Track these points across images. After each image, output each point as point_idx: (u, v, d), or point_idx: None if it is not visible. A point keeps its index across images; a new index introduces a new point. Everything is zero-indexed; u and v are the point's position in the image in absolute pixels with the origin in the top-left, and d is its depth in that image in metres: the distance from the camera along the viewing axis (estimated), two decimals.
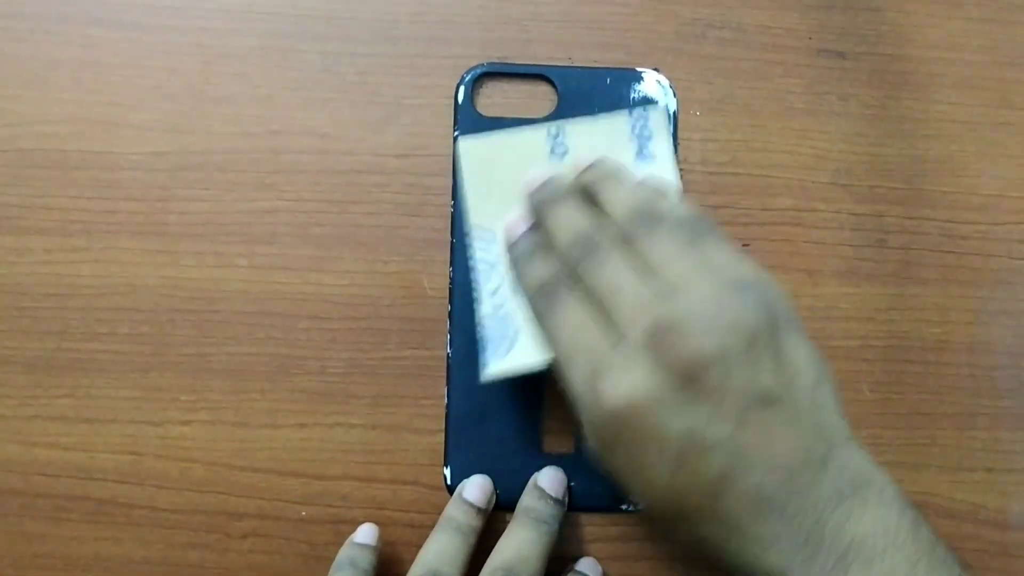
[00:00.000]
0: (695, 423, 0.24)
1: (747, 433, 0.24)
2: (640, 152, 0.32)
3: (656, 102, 0.33)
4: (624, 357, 0.25)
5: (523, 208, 0.30)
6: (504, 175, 0.31)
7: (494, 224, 0.31)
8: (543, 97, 0.34)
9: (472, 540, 0.31)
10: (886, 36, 0.36)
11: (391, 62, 0.35)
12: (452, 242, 0.33)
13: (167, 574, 0.32)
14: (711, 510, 0.25)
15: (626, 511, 0.33)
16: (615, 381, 0.25)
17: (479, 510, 0.31)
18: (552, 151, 0.32)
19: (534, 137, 0.32)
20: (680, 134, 0.35)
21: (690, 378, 0.24)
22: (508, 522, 0.31)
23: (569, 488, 0.32)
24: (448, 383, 0.33)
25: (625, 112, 0.32)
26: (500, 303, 0.30)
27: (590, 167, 0.30)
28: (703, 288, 0.26)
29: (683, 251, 0.27)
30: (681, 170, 0.34)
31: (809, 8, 0.36)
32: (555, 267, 0.29)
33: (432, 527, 0.32)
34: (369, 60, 0.35)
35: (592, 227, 0.28)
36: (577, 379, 0.26)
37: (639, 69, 0.34)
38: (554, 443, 0.33)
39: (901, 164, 0.35)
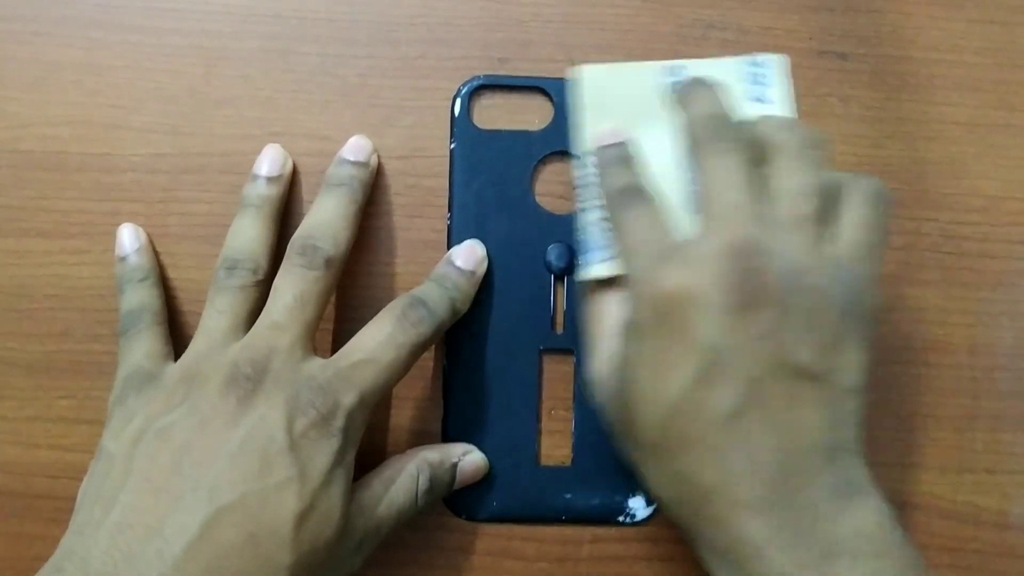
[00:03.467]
0: (734, 346, 0.24)
1: (774, 388, 0.24)
2: (757, 97, 0.31)
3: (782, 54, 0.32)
4: (698, 252, 0.25)
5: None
6: (620, 104, 0.31)
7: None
8: (539, 109, 0.34)
9: (268, 211, 0.31)
10: (887, 38, 0.36)
11: (392, 64, 0.35)
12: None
13: None
14: (711, 444, 0.24)
15: (623, 523, 0.32)
16: (681, 269, 0.25)
17: (268, 179, 0.32)
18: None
19: (653, 71, 0.32)
20: None
21: (750, 305, 0.24)
22: (514, 540, 0.31)
23: (566, 500, 0.32)
24: (445, 394, 0.33)
25: (746, 57, 0.32)
26: (605, 218, 0.30)
27: (767, 121, 0.28)
28: (806, 242, 0.25)
29: (810, 200, 0.26)
30: None
31: (810, 10, 0.36)
32: (644, 180, 0.29)
33: (430, 529, 0.32)
34: (369, 62, 0.35)
35: (730, 118, 0.28)
36: (640, 262, 0.26)
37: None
38: (551, 456, 0.33)
39: (902, 165, 0.35)
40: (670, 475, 0.26)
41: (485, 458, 0.32)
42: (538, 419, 0.33)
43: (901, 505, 0.33)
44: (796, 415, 0.24)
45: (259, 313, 0.29)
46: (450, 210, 0.33)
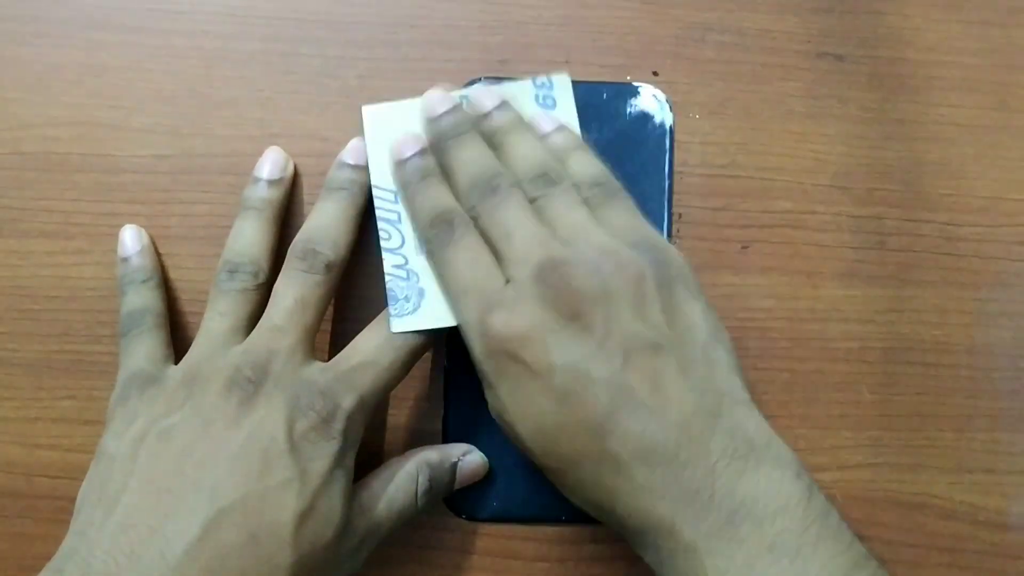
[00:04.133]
0: (580, 357, 0.25)
1: (633, 374, 0.25)
2: None
3: (562, 72, 0.33)
4: (514, 292, 0.26)
5: (417, 137, 0.30)
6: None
7: (395, 185, 0.31)
8: None
9: (269, 214, 0.31)
10: (885, 39, 0.36)
11: (392, 66, 0.35)
12: None
13: None
14: (599, 452, 0.25)
15: None
16: (505, 316, 0.26)
17: (269, 182, 0.32)
18: None
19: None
20: (680, 137, 0.35)
21: (575, 314, 0.25)
22: (514, 540, 0.31)
23: (566, 500, 0.32)
24: (446, 395, 0.33)
25: (529, 79, 0.32)
26: (403, 261, 0.30)
27: (496, 111, 0.30)
28: (593, 238, 0.27)
29: (579, 210, 0.28)
30: (680, 173, 0.34)
31: (808, 12, 0.36)
32: (451, 200, 0.29)
33: (430, 529, 0.33)
34: (370, 64, 0.35)
35: (495, 171, 0.29)
36: (468, 314, 0.27)
37: (636, 84, 0.34)
38: None
39: (900, 167, 0.35)
40: (576, 488, 0.26)
41: (485, 458, 0.32)
42: None
43: (900, 505, 0.33)
44: (664, 390, 0.25)
45: (260, 316, 0.29)
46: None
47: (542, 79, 0.32)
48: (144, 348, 0.30)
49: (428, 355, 0.33)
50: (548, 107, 0.32)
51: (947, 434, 0.34)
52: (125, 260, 0.32)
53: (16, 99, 0.34)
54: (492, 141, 0.30)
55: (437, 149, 0.30)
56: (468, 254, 0.28)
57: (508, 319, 0.26)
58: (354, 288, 0.34)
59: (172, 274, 0.34)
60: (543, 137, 0.31)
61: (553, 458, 0.26)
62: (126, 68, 0.34)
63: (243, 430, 0.26)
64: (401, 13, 0.35)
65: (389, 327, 0.29)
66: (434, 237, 0.29)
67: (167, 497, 0.25)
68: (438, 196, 0.29)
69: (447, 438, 0.33)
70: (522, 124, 0.31)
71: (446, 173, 0.30)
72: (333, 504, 0.26)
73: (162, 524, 0.24)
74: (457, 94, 0.31)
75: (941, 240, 0.35)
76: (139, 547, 0.24)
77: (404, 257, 0.30)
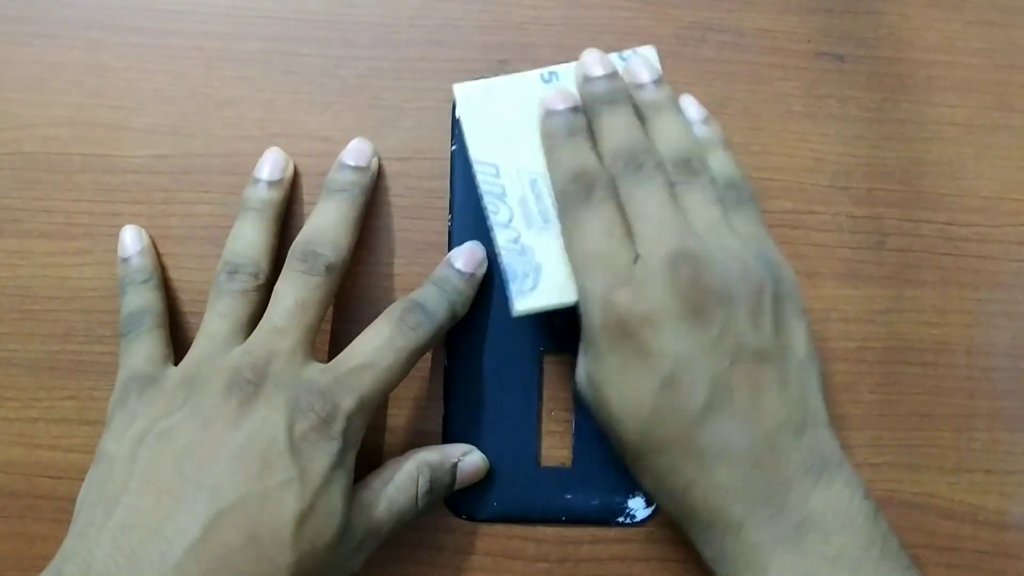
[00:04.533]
0: (693, 349, 0.25)
1: (736, 376, 0.26)
2: None
3: (650, 45, 0.32)
4: (644, 273, 0.26)
5: (569, 93, 0.30)
6: (501, 113, 0.31)
7: (496, 159, 0.30)
8: None
9: (270, 214, 0.31)
10: (885, 39, 0.36)
11: (392, 66, 0.35)
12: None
13: None
14: (687, 442, 0.26)
15: (622, 524, 0.33)
16: (632, 294, 0.26)
17: (270, 183, 0.32)
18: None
19: (529, 79, 0.31)
20: None
21: (699, 309, 0.26)
22: (514, 539, 0.31)
23: (566, 500, 0.32)
24: (445, 395, 0.33)
25: (616, 54, 0.31)
26: (515, 235, 0.29)
27: (652, 85, 0.30)
28: (725, 240, 0.27)
29: (714, 208, 0.28)
30: None
31: (808, 12, 0.36)
32: (596, 162, 0.29)
33: (430, 529, 0.33)
34: (370, 64, 0.35)
35: (644, 147, 0.29)
36: (594, 283, 0.27)
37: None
38: (551, 456, 0.33)
39: (900, 166, 0.35)
40: (654, 472, 0.27)
41: (485, 458, 0.32)
42: (538, 420, 0.33)
43: (900, 504, 0.33)
44: (761, 399, 0.26)
45: (260, 317, 0.29)
46: (451, 212, 0.33)
47: (628, 52, 0.31)
48: (144, 349, 0.30)
49: (428, 355, 0.33)
50: None
51: (947, 434, 0.34)
52: (125, 260, 0.32)
53: (17, 99, 0.34)
54: (643, 114, 0.30)
55: (590, 111, 0.30)
56: (604, 222, 0.27)
57: (635, 298, 0.26)
58: (354, 288, 0.34)
59: (172, 274, 0.34)
60: (692, 123, 0.31)
61: (641, 440, 0.27)
62: (127, 68, 0.34)
63: (243, 431, 0.26)
64: (401, 13, 0.35)
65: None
66: (572, 193, 0.28)
67: (167, 498, 0.25)
68: (584, 155, 0.29)
69: (447, 438, 0.33)
70: (675, 105, 0.30)
71: (595, 135, 0.30)
72: (333, 504, 0.26)
73: (162, 525, 0.24)
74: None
75: (941, 240, 0.35)
76: (139, 548, 0.24)
77: (516, 231, 0.29)
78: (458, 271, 0.31)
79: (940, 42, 0.36)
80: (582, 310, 0.28)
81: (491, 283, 0.33)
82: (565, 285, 0.28)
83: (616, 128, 0.29)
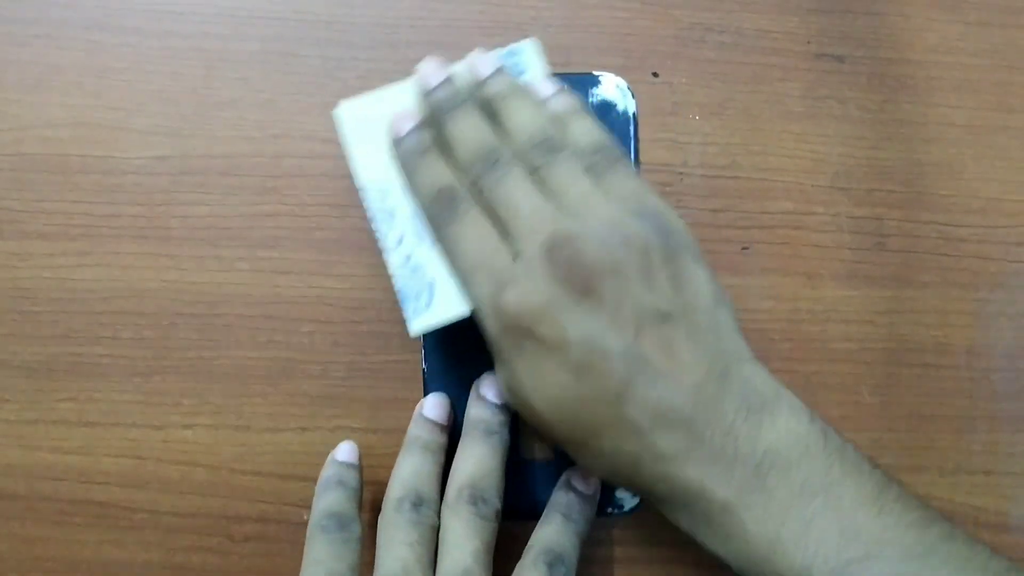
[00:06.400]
0: (594, 331, 0.25)
1: (645, 344, 0.25)
2: None
3: (532, 38, 0.31)
4: (524, 269, 0.26)
5: (412, 103, 0.30)
6: (385, 129, 0.30)
7: (384, 176, 0.30)
8: None
9: (441, 458, 0.31)
10: (885, 40, 0.36)
11: (392, 67, 0.35)
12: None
13: None
14: (618, 420, 0.25)
15: (611, 515, 0.33)
16: (517, 293, 0.26)
17: (442, 427, 0.31)
18: None
19: (408, 87, 0.31)
20: (679, 138, 0.35)
21: (587, 289, 0.25)
22: (512, 539, 0.31)
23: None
24: (425, 391, 0.33)
25: (497, 51, 0.31)
26: (408, 253, 0.29)
27: (492, 78, 0.30)
28: (599, 210, 0.27)
29: (583, 179, 0.28)
30: (681, 174, 0.35)
31: (808, 12, 0.36)
32: (452, 173, 0.29)
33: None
34: (370, 65, 0.35)
35: (494, 144, 0.29)
36: (480, 291, 0.27)
37: (596, 73, 0.34)
38: (532, 448, 0.33)
39: (900, 167, 0.35)
40: (599, 458, 0.27)
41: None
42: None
43: None
44: (677, 357, 0.25)
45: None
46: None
47: (510, 47, 0.31)
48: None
49: (420, 357, 0.33)
50: (518, 75, 0.31)
51: (947, 435, 0.34)
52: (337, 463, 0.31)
53: (17, 100, 0.34)
54: (490, 109, 0.30)
55: (434, 123, 0.30)
56: (474, 230, 0.28)
57: (521, 296, 0.26)
58: (355, 289, 0.33)
59: (172, 275, 0.34)
60: (543, 102, 0.30)
61: (573, 430, 0.26)
62: (126, 69, 0.34)
63: None
64: (401, 14, 0.35)
65: (409, 332, 0.29)
66: (437, 214, 0.28)
67: None
68: (438, 171, 0.29)
69: None
70: (520, 90, 0.30)
71: (445, 147, 0.29)
72: None
73: None
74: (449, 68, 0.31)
75: (941, 241, 0.35)
76: None
77: (408, 250, 0.29)
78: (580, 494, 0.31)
79: (940, 43, 0.36)
80: (478, 321, 0.28)
81: None
82: (459, 296, 0.28)
83: (463, 133, 0.29)
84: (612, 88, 0.34)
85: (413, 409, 0.33)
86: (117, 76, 0.34)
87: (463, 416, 0.31)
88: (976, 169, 0.35)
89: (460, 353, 0.33)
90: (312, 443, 0.33)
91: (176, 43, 0.35)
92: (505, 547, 0.31)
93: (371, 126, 0.30)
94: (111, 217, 0.34)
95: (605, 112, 0.34)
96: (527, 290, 0.26)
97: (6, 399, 0.33)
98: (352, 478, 0.30)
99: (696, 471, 0.25)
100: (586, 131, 0.29)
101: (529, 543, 0.30)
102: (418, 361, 0.33)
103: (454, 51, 0.35)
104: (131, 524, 0.33)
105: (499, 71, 0.30)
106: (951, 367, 0.34)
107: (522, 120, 0.29)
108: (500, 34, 0.35)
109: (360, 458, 0.31)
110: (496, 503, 0.29)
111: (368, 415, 0.33)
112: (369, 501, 0.32)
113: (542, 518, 0.31)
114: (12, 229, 0.34)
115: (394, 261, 0.29)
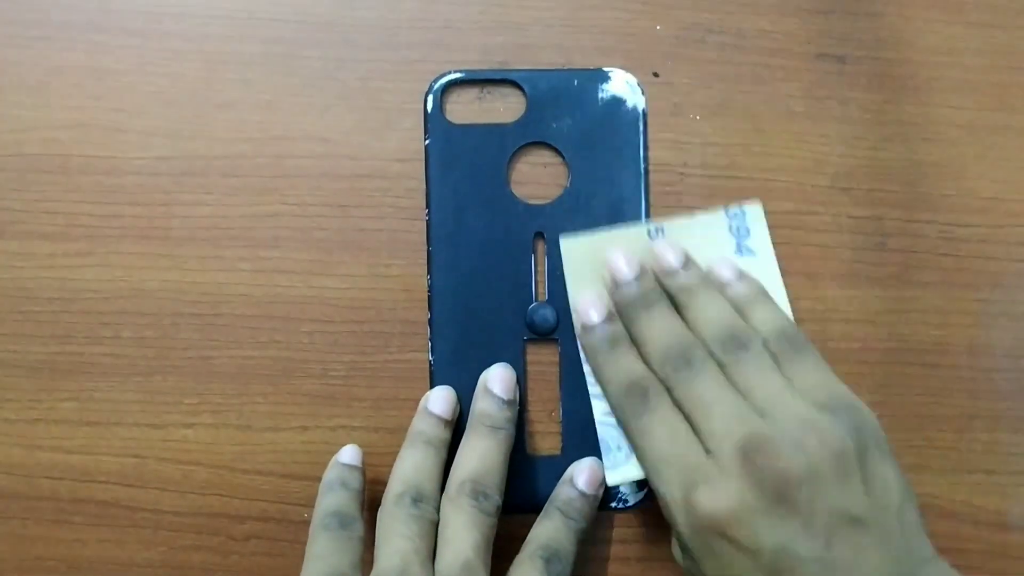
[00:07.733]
0: (787, 539, 0.25)
1: (837, 551, 0.25)
2: (739, 247, 0.33)
3: (755, 200, 0.33)
4: (718, 469, 0.26)
5: (602, 297, 0.31)
6: (602, 272, 0.32)
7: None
8: (512, 102, 0.34)
9: (443, 453, 0.31)
10: (886, 41, 0.36)
11: (392, 67, 0.35)
12: (429, 250, 0.33)
13: None
14: None
15: (615, 509, 0.33)
16: (711, 494, 0.26)
17: (446, 422, 0.31)
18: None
19: (635, 234, 0.32)
20: (680, 138, 0.35)
21: (782, 495, 0.25)
22: (512, 539, 0.31)
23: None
24: (431, 385, 0.33)
25: (721, 210, 0.33)
26: (609, 408, 0.31)
27: (683, 271, 0.31)
28: (792, 409, 0.27)
29: (773, 376, 0.28)
30: (681, 174, 0.35)
31: (809, 13, 0.36)
32: (643, 368, 0.29)
33: None
34: (370, 66, 0.35)
35: (688, 342, 0.29)
36: (671, 489, 0.27)
37: (606, 69, 0.34)
38: (540, 446, 0.33)
39: (900, 167, 0.35)
40: None
41: (594, 461, 0.32)
42: (525, 409, 0.33)
43: None
44: (865, 563, 0.25)
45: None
46: (428, 206, 0.33)
47: (734, 209, 0.33)
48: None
49: (424, 354, 0.33)
50: (742, 236, 0.33)
51: (947, 435, 0.34)
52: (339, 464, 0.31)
53: (18, 101, 0.34)
54: (677, 300, 0.31)
55: (625, 316, 0.31)
56: (665, 425, 0.28)
57: (714, 497, 0.26)
58: (355, 289, 0.34)
59: (173, 275, 0.34)
60: (725, 286, 0.31)
61: None
62: (127, 71, 0.35)
63: None
64: (402, 15, 0.35)
65: (604, 478, 0.31)
66: (628, 406, 0.29)
67: None
68: (630, 365, 0.29)
69: None
70: (707, 283, 0.31)
71: (635, 340, 0.30)
72: None
73: None
74: (643, 234, 0.32)
75: (942, 241, 0.35)
76: None
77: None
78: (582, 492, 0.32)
79: (941, 44, 0.36)
80: (665, 515, 0.28)
81: (472, 275, 0.33)
82: None
83: (656, 330, 0.30)
84: (622, 84, 0.34)
85: (414, 408, 0.33)
86: (118, 78, 0.34)
87: (469, 407, 0.32)
88: (977, 169, 0.35)
89: (468, 345, 0.33)
90: (313, 442, 0.33)
91: (177, 45, 0.35)
92: (504, 546, 0.31)
93: (593, 263, 0.32)
94: (112, 217, 0.34)
95: (614, 108, 0.34)
96: (721, 492, 0.26)
97: (8, 398, 0.33)
98: (355, 480, 0.31)
99: None
100: (770, 318, 0.30)
101: (528, 538, 0.30)
102: (419, 361, 0.33)
103: (454, 51, 0.35)
104: (132, 523, 0.33)
105: (689, 263, 0.31)
106: (952, 367, 0.34)
107: (710, 315, 0.30)
108: (500, 34, 0.35)
109: (363, 461, 0.31)
110: (497, 499, 0.30)
111: (368, 414, 0.33)
112: (369, 499, 0.32)
113: (542, 513, 0.31)
114: (14, 229, 0.34)
115: (599, 410, 0.31)
